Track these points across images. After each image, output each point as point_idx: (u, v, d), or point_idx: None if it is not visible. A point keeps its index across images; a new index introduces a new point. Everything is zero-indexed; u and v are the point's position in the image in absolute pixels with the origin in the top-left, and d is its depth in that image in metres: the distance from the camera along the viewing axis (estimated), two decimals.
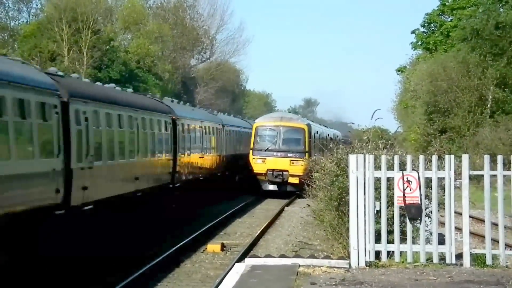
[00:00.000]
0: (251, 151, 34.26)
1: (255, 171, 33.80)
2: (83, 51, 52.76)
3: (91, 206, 15.98)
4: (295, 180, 32.25)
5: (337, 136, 49.96)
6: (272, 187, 33.58)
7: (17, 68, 13.77)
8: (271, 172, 33.31)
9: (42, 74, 15.19)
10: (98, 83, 22.73)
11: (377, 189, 11.35)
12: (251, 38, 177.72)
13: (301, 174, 31.00)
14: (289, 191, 32.78)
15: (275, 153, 33.56)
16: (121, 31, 66.49)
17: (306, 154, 32.87)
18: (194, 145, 28.04)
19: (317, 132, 38.62)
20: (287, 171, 33.10)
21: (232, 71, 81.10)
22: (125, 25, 65.87)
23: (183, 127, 26.07)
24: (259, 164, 33.61)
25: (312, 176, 16.73)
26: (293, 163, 33.11)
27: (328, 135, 45.06)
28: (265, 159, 33.50)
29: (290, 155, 33.32)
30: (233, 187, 35.22)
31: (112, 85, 22.72)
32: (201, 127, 29.84)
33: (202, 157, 29.90)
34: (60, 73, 17.00)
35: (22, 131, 13.02)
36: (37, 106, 13.54)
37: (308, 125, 35.47)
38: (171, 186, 24.17)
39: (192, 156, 27.69)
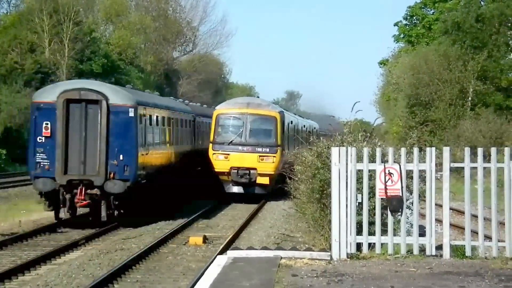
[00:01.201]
0: (210, 144, 28.20)
1: (216, 170, 27.72)
2: (64, 43, 52.36)
3: (199, 168, 30.50)
4: (264, 181, 27.22)
5: (314, 128, 43.66)
6: (236, 189, 27.66)
7: (180, 104, 30.71)
8: (236, 171, 27.29)
9: (186, 105, 31.49)
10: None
11: (358, 180, 11.40)
12: (234, 31, 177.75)
13: (272, 172, 27.06)
14: (258, 194, 27.65)
15: (240, 148, 27.59)
16: (103, 23, 66.05)
17: (278, 148, 27.72)
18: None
19: (291, 122, 32.44)
20: (255, 169, 27.24)
21: (215, 63, 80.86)
22: (107, 16, 65.46)
23: None
24: (220, 161, 27.60)
25: (289, 172, 16.70)
26: (262, 159, 27.43)
27: (304, 126, 38.76)
28: (228, 154, 27.53)
29: (259, 149, 27.50)
30: None
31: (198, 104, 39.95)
32: None
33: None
34: (187, 102, 35.08)
35: (187, 133, 29.27)
36: (188, 121, 29.30)
37: (281, 113, 29.10)
38: None
39: None
